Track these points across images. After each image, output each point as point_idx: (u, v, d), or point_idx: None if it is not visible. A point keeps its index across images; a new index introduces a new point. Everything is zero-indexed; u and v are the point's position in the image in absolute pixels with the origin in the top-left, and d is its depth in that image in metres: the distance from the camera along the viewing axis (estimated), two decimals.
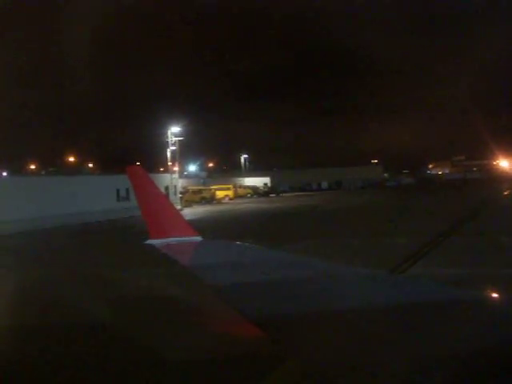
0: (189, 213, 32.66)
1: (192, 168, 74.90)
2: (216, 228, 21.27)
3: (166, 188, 39.45)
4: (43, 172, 74.22)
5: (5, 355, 6.27)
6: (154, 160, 57.57)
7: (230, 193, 55.00)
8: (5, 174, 55.22)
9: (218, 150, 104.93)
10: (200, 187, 53.83)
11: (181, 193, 45.81)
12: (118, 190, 33.94)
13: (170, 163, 44.38)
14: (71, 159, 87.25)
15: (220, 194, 52.12)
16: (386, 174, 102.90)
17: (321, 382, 1.56)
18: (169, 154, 44.20)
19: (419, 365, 1.54)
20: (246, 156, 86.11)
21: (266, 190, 66.51)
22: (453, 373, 1.47)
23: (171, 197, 38.46)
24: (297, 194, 67.82)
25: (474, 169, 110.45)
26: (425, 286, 2.78)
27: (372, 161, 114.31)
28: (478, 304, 2.23)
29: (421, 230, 16.41)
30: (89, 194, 31.12)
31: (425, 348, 1.67)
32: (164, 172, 45.71)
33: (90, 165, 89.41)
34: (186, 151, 58.14)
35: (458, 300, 2.27)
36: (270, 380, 4.61)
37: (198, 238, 4.39)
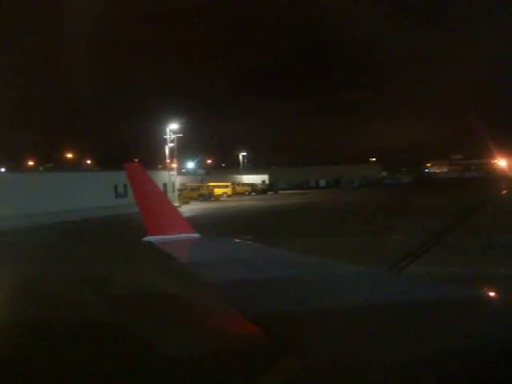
0: (186, 210, 32.64)
1: (190, 165, 74.79)
2: (213, 225, 21.27)
3: (164, 185, 39.37)
4: (41, 168, 74.01)
5: (4, 355, 6.27)
6: (152, 157, 57.47)
7: (228, 190, 54.97)
8: (3, 170, 55.13)
9: (216, 147, 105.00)
10: (198, 184, 53.79)
11: (179, 190, 45.74)
12: (116, 187, 33.86)
13: (168, 160, 44.29)
14: (69, 155, 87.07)
15: (218, 191, 52.08)
16: (384, 173, 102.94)
17: (318, 379, 1.56)
18: (167, 151, 44.10)
19: (418, 363, 1.55)
20: (244, 153, 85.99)
21: (264, 187, 66.46)
22: (452, 371, 1.48)
23: (169, 194, 38.39)
24: (295, 191, 67.83)
25: (472, 168, 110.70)
26: (423, 284, 2.79)
27: (370, 159, 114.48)
28: (476, 302, 2.23)
29: (412, 229, 16.49)
30: (87, 191, 31.02)
31: (424, 346, 1.67)
32: (162, 169, 45.55)
33: (88, 161, 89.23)
34: (185, 148, 58.06)
35: (456, 298, 2.27)
36: (267, 377, 4.62)
37: (196, 235, 4.39)
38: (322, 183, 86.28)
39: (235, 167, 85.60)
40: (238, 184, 62.77)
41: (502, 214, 21.00)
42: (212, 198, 48.46)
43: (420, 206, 28.32)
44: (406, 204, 31.30)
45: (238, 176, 71.99)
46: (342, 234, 16.83)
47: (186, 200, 43.32)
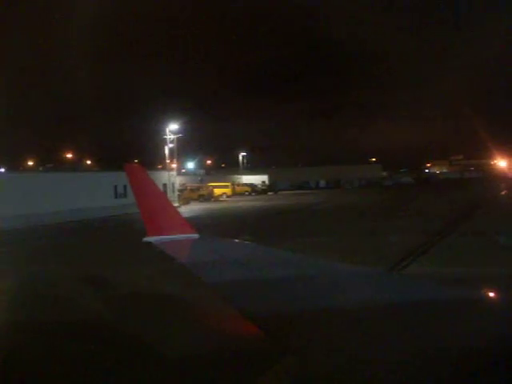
0: (186, 210, 32.63)
1: (190, 165, 74.82)
2: (213, 225, 21.26)
3: (164, 185, 39.38)
4: (40, 168, 74.01)
5: (4, 355, 6.27)
6: (152, 157, 57.55)
7: (228, 190, 54.94)
8: (2, 170, 55.17)
9: (216, 147, 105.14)
10: (198, 185, 53.76)
11: (179, 190, 45.73)
12: (115, 187, 33.87)
13: (168, 160, 44.30)
14: (69, 156, 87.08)
15: (218, 191, 52.02)
16: (384, 173, 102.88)
17: (318, 379, 1.56)
18: (167, 151, 44.12)
19: (417, 363, 1.54)
20: (244, 154, 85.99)
21: (263, 187, 66.41)
22: (451, 371, 1.47)
23: (169, 194, 38.41)
24: (294, 192, 67.80)
25: (472, 168, 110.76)
26: (422, 284, 2.79)
27: (370, 159, 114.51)
28: (476, 302, 2.23)
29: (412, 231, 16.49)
30: (86, 191, 31.04)
31: (423, 346, 1.67)
32: (162, 169, 45.56)
33: (88, 161, 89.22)
34: (185, 148, 58.16)
35: (455, 298, 2.27)
36: (267, 377, 4.61)
37: (196, 236, 4.39)
38: (322, 184, 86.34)
39: (235, 167, 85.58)
40: (238, 184, 62.71)
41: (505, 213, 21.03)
42: (212, 199, 48.43)
43: (417, 208, 28.34)
44: (405, 205, 31.34)
45: (238, 176, 71.93)
46: (339, 235, 16.83)
47: (185, 200, 43.29)
